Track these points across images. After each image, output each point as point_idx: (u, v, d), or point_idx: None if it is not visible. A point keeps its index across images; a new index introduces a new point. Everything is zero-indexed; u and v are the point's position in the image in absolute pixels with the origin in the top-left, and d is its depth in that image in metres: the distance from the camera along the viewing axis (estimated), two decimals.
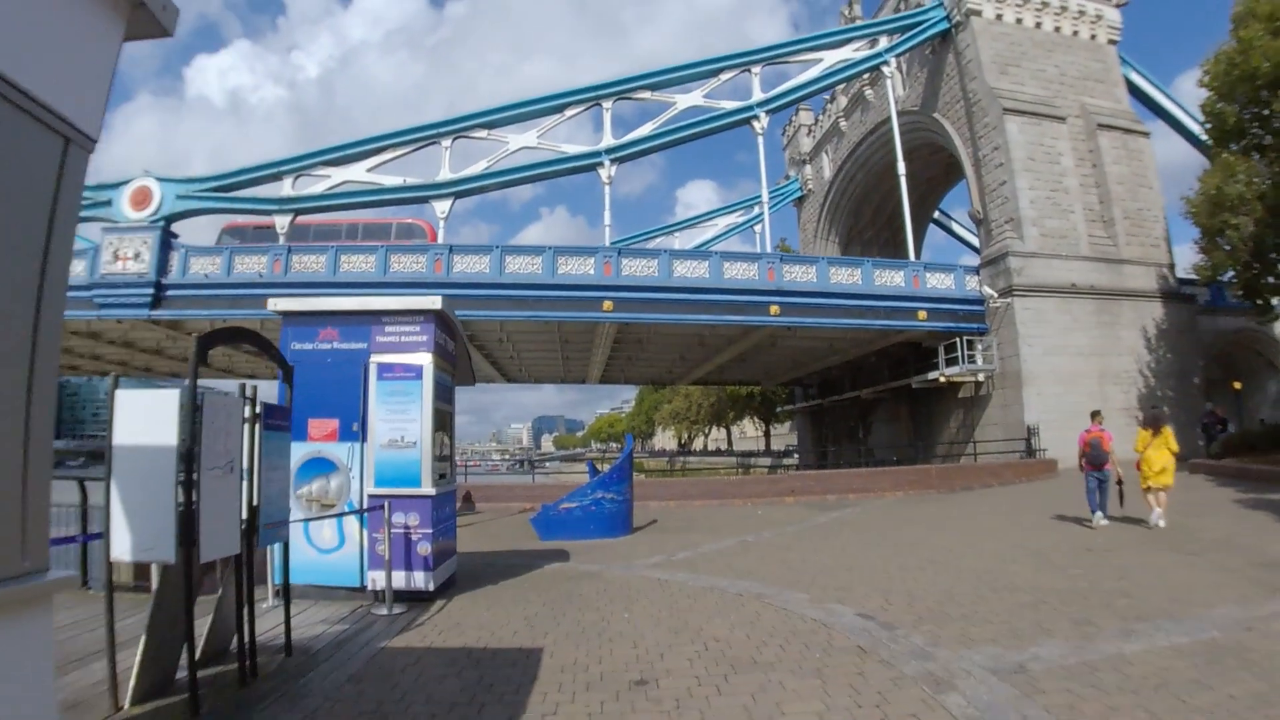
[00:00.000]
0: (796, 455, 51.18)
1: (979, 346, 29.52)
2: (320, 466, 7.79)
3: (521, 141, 29.16)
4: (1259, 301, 23.64)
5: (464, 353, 9.41)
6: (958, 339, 29.34)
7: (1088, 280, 29.57)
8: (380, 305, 8.05)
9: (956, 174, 44.14)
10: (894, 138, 32.84)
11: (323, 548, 7.77)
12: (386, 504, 7.29)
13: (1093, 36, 34.07)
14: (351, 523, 7.68)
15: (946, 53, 33.78)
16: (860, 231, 48.25)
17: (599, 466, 16.34)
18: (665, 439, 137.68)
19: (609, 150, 28.83)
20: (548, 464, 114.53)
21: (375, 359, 7.86)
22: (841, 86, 46.27)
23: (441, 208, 27.96)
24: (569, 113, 29.64)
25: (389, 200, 28.65)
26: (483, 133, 29.17)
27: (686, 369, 43.19)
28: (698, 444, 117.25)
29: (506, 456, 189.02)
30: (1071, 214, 30.66)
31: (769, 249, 34.36)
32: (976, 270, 30.81)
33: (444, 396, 8.46)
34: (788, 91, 31.49)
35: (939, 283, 30.04)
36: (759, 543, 12.42)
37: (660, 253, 27.64)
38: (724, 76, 31.30)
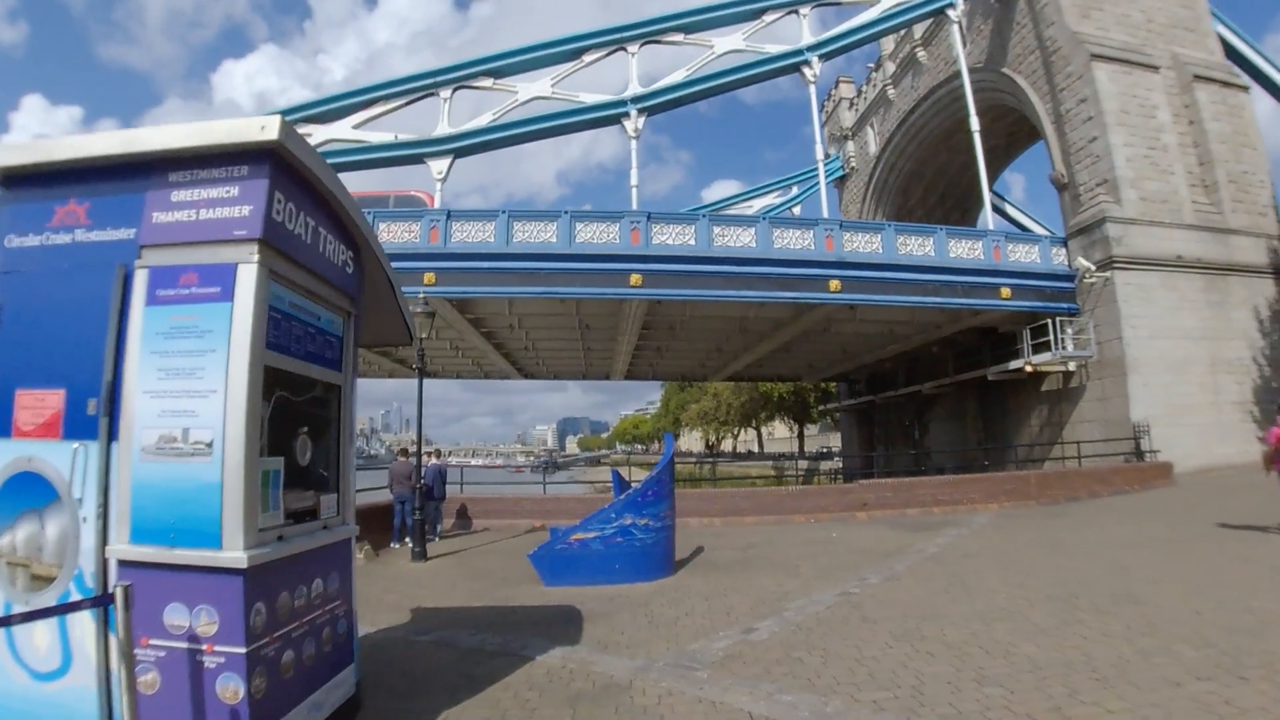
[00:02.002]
0: (839, 459, 46.44)
1: (1069, 330, 25.01)
2: (26, 493, 3.55)
3: (533, 91, 24.89)
4: None
5: (380, 274, 5.08)
6: (1049, 320, 24.80)
7: (1193, 252, 25.29)
8: (161, 141, 3.71)
9: (1019, 144, 39.71)
10: (964, 88, 28.67)
11: (37, 669, 3.51)
12: (121, 591, 2.97)
13: None
14: (83, 622, 3.41)
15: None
16: (910, 211, 43.50)
17: (627, 479, 11.99)
18: (692, 440, 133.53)
19: (635, 99, 24.50)
20: (572, 468, 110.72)
21: (146, 260, 3.59)
22: (889, 52, 42.48)
23: (438, 167, 23.75)
24: (588, 58, 25.32)
25: (376, 160, 24.46)
26: (488, 82, 24.97)
27: (722, 362, 38.60)
28: (725, 446, 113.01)
29: (532, 458, 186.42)
30: (1172, 175, 26.40)
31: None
32: (1064, 242, 26.37)
33: (305, 348, 4.14)
34: (844, 34, 27.09)
35: (1022, 255, 25.62)
36: (872, 597, 8.06)
37: (698, 217, 23.15)
38: (768, 19, 26.96)
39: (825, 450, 73.92)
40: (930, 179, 42.84)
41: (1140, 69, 26.96)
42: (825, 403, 62.82)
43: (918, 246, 24.25)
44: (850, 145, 47.96)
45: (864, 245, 23.76)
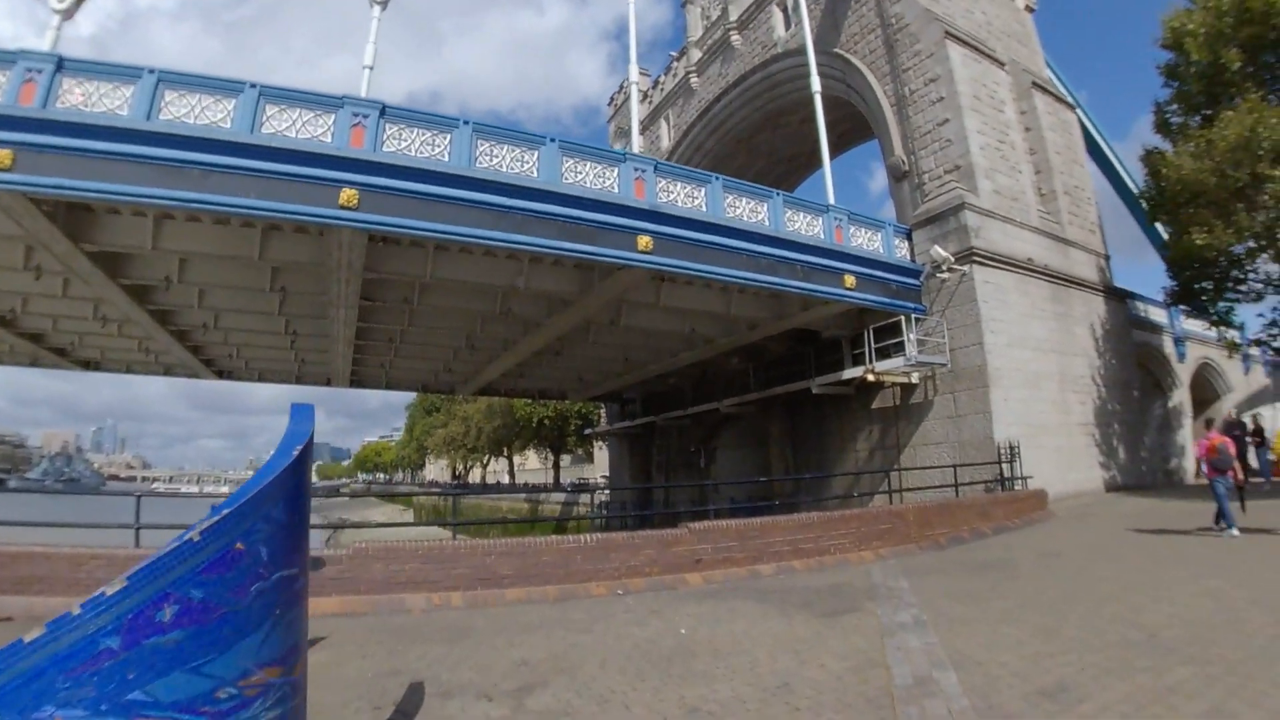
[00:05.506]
0: (608, 491, 39.99)
1: (911, 334, 20.42)
2: None
3: None
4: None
5: None
6: (902, 319, 20.11)
7: (1041, 258, 22.74)
8: None
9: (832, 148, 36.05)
10: (807, 52, 24.72)
11: None
12: None
13: None
14: None
15: None
16: None
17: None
18: (438, 470, 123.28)
19: None
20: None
21: None
22: (696, 38, 38.10)
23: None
24: None
25: None
26: None
27: (474, 366, 30.71)
28: (474, 476, 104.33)
29: None
30: (1020, 174, 23.89)
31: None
32: (907, 233, 22.13)
33: None
34: None
35: (865, 241, 20.95)
36: None
37: (455, 122, 15.46)
38: None
39: (583, 481, 68.04)
40: None
41: (989, 61, 24.65)
42: (588, 428, 56.78)
43: (749, 211, 18.49)
44: (640, 140, 42.60)
45: (684, 199, 17.54)
